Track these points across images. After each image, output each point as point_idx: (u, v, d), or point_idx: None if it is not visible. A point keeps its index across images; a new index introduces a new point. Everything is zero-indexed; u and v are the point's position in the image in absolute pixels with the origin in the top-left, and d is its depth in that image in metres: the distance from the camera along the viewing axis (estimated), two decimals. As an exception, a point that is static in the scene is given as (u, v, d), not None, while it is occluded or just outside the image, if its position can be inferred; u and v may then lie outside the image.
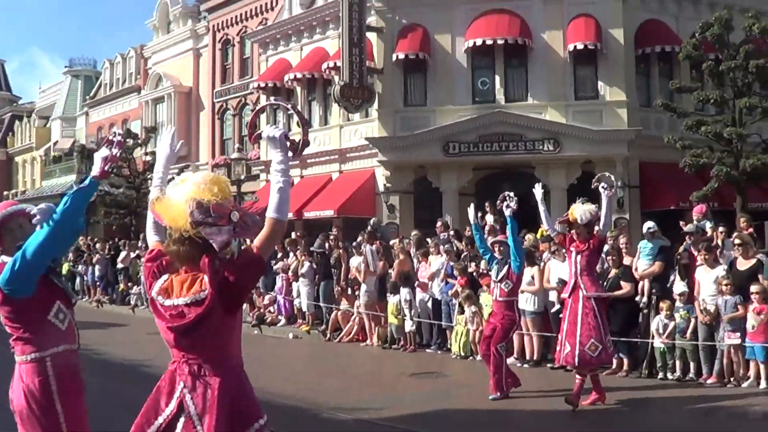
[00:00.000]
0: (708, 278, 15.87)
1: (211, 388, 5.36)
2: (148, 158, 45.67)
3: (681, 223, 19.47)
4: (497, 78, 33.80)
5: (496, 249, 15.08)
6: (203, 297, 5.27)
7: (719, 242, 17.83)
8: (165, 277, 5.52)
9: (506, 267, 14.71)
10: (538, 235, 20.74)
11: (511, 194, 14.59)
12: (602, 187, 14.12)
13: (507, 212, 14.50)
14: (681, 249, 17.87)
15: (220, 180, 5.50)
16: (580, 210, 13.70)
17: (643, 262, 17.28)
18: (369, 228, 23.86)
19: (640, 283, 17.06)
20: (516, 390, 14.54)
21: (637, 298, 16.92)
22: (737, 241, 16.29)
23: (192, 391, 5.39)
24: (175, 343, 5.40)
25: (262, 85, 40.51)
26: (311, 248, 25.17)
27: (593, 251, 13.72)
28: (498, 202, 14.90)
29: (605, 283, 16.11)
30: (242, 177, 35.00)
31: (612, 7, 33.12)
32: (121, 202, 48.42)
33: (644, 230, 18.33)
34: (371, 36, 34.62)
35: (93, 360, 17.48)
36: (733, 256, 16.40)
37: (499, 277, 14.74)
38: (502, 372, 14.47)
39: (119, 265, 35.18)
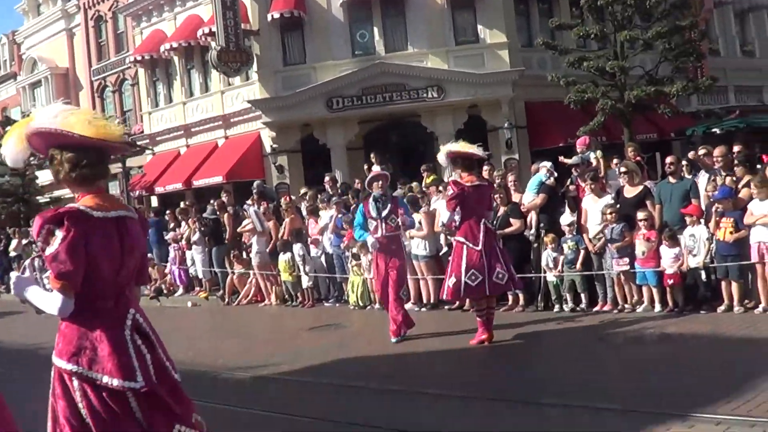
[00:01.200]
0: (595, 207, 15.88)
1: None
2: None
3: (560, 158, 19.60)
4: (376, 29, 33.72)
5: (375, 185, 14.70)
6: (135, 213, 5.31)
7: (605, 171, 17.97)
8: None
9: (390, 204, 14.54)
10: (426, 182, 20.63)
11: None
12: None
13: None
14: (568, 182, 17.98)
15: None
16: (441, 153, 13.70)
17: (528, 196, 17.29)
18: (254, 191, 23.68)
19: (528, 218, 17.05)
20: (415, 333, 14.52)
21: (526, 232, 16.90)
22: (623, 169, 16.33)
23: (138, 313, 5.32)
24: (126, 266, 5.22)
25: (139, 58, 40.20)
26: (202, 215, 24.89)
27: (452, 196, 13.49)
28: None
29: (495, 222, 16.00)
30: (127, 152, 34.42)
31: (484, -52, 33.11)
32: (7, 191, 47.37)
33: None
34: (244, -2, 34.19)
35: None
36: (620, 184, 16.44)
37: (384, 214, 14.45)
38: (402, 317, 14.41)
39: (12, 254, 34.46)
